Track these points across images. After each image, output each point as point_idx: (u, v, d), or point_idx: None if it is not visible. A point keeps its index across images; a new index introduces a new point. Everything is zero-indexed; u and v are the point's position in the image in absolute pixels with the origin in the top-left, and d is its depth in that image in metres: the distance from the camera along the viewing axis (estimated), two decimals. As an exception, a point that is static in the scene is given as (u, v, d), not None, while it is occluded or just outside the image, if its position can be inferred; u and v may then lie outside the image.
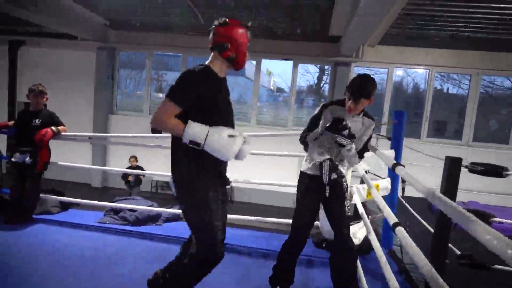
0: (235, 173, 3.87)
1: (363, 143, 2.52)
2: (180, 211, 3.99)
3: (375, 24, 5.60)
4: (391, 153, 3.61)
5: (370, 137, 2.60)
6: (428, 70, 8.68)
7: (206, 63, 2.08)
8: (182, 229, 3.83)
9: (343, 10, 5.91)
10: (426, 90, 8.77)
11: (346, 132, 2.28)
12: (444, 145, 8.26)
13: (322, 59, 8.71)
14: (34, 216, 3.85)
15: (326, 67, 10.55)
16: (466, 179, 5.93)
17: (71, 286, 2.60)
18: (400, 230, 1.73)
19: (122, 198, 4.43)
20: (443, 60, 8.41)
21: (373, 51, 8.35)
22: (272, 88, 12.26)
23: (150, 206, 4.16)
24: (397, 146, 3.81)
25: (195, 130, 1.86)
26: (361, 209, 3.20)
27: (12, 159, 3.72)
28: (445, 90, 9.27)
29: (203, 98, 1.94)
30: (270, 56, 8.99)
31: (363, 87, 2.31)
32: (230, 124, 2.09)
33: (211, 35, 2.08)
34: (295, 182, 2.84)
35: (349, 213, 2.57)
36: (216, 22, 2.07)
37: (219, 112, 2.03)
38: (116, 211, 4.03)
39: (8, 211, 3.77)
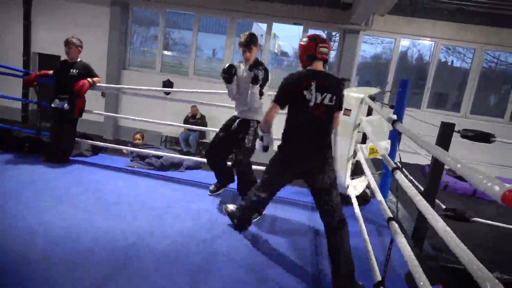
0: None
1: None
2: (200, 159, 4.45)
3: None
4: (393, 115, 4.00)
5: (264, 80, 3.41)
6: (434, 42, 8.91)
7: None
8: (202, 176, 4.34)
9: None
10: (430, 62, 9.04)
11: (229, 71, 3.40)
12: (443, 116, 8.66)
13: (332, 26, 8.89)
14: (70, 158, 4.29)
15: (334, 33, 10.69)
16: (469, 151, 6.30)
17: (115, 218, 3.07)
18: (398, 173, 2.15)
19: (148, 146, 4.87)
20: (449, 33, 8.62)
21: (382, 21, 8.54)
22: (276, 51, 12.40)
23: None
24: (399, 112, 4.19)
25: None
26: (364, 166, 3.62)
27: (52, 105, 4.11)
28: (449, 63, 9.53)
29: None
30: (280, 20, 9.14)
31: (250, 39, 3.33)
32: None
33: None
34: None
35: (249, 145, 3.38)
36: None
37: None
38: (142, 157, 4.48)
39: (47, 152, 4.22)
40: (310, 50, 2.55)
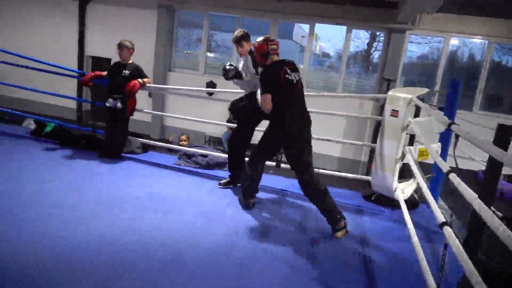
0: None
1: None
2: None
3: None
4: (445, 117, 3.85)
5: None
6: (486, 41, 8.45)
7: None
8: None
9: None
10: (482, 62, 8.59)
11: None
12: (497, 119, 8.19)
13: (377, 25, 8.68)
14: (122, 154, 4.53)
15: (378, 33, 10.45)
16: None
17: (164, 213, 3.21)
18: (453, 176, 2.07)
19: (193, 145, 5.02)
20: (503, 31, 8.15)
21: (430, 19, 8.22)
22: (317, 52, 12.28)
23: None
24: (449, 115, 3.98)
25: None
26: (413, 169, 3.52)
27: (106, 104, 4.36)
28: (503, 63, 9.00)
29: None
30: (323, 20, 9.06)
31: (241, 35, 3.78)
32: None
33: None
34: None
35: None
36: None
37: None
38: (189, 155, 4.63)
39: (102, 148, 4.49)
40: (263, 49, 3.25)
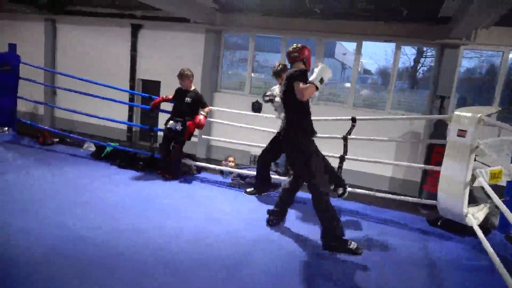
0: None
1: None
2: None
3: (502, 3, 5.27)
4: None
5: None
6: (550, 54, 7.92)
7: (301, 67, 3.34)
8: (298, 197, 4.31)
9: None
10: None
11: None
12: None
13: (428, 41, 8.42)
14: (178, 175, 4.62)
15: (425, 48, 10.12)
16: None
17: (226, 233, 3.18)
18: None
19: (245, 166, 5.02)
20: None
21: (486, 33, 7.85)
22: (359, 69, 12.07)
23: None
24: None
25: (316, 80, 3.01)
26: (490, 192, 3.27)
27: (168, 125, 4.52)
28: None
29: None
30: (370, 38, 8.93)
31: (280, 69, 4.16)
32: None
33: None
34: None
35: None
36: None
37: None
38: (242, 177, 4.62)
39: (159, 169, 4.62)
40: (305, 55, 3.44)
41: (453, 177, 3.46)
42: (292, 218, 3.70)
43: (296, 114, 3.22)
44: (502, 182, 3.59)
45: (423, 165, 6.33)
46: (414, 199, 4.19)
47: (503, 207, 2.77)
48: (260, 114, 8.05)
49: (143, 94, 5.85)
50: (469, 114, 3.51)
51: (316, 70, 3.03)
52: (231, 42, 10.92)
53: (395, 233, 3.62)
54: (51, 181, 4.11)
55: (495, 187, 3.27)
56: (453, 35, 7.61)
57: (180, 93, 4.67)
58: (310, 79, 3.04)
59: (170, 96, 4.79)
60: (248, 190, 4.33)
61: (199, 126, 4.52)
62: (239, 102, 9.57)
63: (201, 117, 4.53)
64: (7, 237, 2.71)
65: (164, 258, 2.64)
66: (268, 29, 9.58)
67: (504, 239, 3.78)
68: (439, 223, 3.86)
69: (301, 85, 3.02)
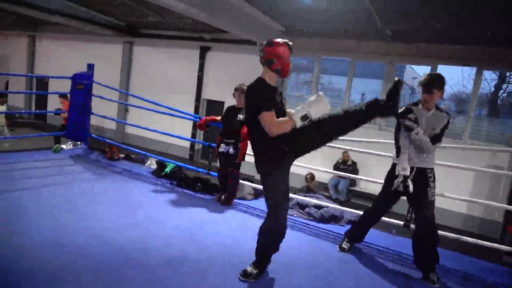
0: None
1: (436, 132, 3.03)
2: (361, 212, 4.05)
3: None
4: None
5: (444, 128, 3.07)
6: None
7: (260, 76, 2.60)
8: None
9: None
10: None
11: (412, 116, 2.91)
12: None
13: (513, 66, 7.59)
14: (235, 201, 4.45)
15: (508, 74, 9.18)
16: None
17: (278, 272, 2.92)
18: None
19: (303, 194, 4.73)
20: None
21: None
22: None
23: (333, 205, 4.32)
24: None
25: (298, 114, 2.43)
26: None
27: (219, 149, 4.37)
28: None
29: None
30: (447, 62, 8.26)
31: (432, 80, 3.01)
32: None
33: (260, 54, 2.61)
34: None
35: (432, 198, 3.04)
36: (263, 43, 2.62)
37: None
38: (302, 206, 4.34)
39: (217, 193, 4.51)
40: None
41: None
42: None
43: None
44: None
45: (504, 205, 5.52)
46: (497, 245, 3.59)
47: None
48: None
49: (193, 115, 5.84)
50: None
51: (307, 101, 2.47)
52: (296, 63, 10.82)
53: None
54: (108, 196, 4.18)
55: None
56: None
57: (233, 111, 4.44)
58: (294, 111, 2.50)
59: (218, 118, 4.62)
60: (343, 245, 3.47)
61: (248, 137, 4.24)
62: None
63: None
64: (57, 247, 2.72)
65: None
66: (335, 52, 9.33)
67: None
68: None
69: (267, 116, 2.39)
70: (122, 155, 6.05)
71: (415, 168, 3.07)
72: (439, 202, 6.72)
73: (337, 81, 11.27)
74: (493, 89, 11.00)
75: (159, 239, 3.17)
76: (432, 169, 3.14)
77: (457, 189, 6.61)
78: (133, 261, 2.72)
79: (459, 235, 3.61)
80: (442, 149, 3.64)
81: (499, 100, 10.96)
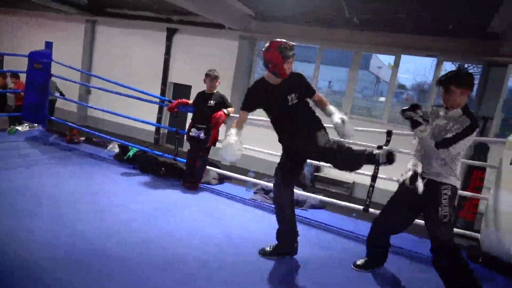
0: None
1: (448, 134, 2.50)
2: (325, 198, 4.16)
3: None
4: None
5: (461, 135, 2.46)
6: None
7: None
8: (325, 217, 4.02)
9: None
10: None
11: (420, 112, 2.48)
12: None
13: (473, 58, 7.92)
14: (200, 185, 4.43)
15: (466, 65, 9.57)
16: None
17: (241, 255, 2.95)
18: None
19: (268, 180, 4.76)
20: None
21: (538, 51, 7.27)
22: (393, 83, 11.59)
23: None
24: None
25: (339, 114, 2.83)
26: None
27: (190, 134, 4.33)
28: None
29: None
30: (411, 52, 8.51)
31: (450, 76, 2.55)
32: (285, 118, 2.82)
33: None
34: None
35: (445, 220, 2.48)
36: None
37: (273, 111, 2.86)
38: (266, 191, 4.38)
39: (183, 177, 4.45)
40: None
41: (502, 209, 3.09)
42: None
43: None
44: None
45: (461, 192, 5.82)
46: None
47: None
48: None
49: (164, 98, 5.72)
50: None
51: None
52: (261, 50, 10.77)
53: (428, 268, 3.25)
54: (68, 181, 4.03)
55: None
56: (501, 52, 7.10)
57: (203, 97, 4.42)
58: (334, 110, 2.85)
59: (190, 102, 4.58)
60: (357, 263, 2.97)
61: (217, 122, 4.20)
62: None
63: (222, 113, 4.26)
64: (13, 237, 2.60)
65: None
66: (304, 39, 9.36)
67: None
68: (480, 260, 3.45)
69: (239, 114, 2.90)
70: (83, 138, 5.82)
71: (426, 179, 2.60)
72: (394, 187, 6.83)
73: (304, 68, 11.30)
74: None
75: (120, 224, 3.10)
76: (450, 185, 2.56)
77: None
78: (93, 248, 2.64)
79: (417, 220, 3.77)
80: (404, 138, 3.72)
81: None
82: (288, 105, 2.76)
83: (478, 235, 3.42)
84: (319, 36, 9.05)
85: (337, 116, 2.77)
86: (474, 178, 7.01)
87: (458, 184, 2.62)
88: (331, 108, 2.88)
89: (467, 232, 3.72)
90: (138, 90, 5.58)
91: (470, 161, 6.00)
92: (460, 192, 4.95)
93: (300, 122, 2.78)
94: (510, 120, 8.53)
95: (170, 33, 10.82)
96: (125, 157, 5.02)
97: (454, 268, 2.49)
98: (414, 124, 2.49)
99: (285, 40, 2.71)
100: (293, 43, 2.74)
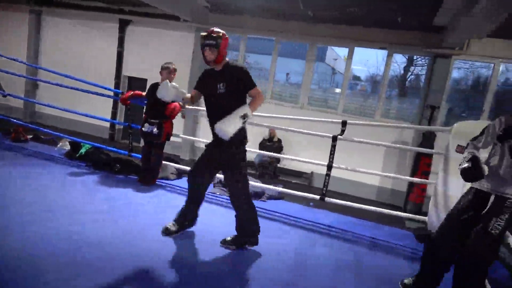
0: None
1: None
2: (283, 190, 4.23)
3: (497, 14, 5.15)
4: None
5: None
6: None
7: None
8: (284, 207, 4.10)
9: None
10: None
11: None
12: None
13: (421, 50, 8.31)
14: (157, 181, 4.34)
15: (415, 57, 10.03)
16: None
17: (201, 251, 2.94)
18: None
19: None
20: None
21: (479, 44, 7.77)
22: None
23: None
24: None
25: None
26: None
27: (143, 129, 4.20)
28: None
29: None
30: (364, 44, 8.78)
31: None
32: (211, 105, 3.00)
33: None
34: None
35: (495, 232, 2.29)
36: None
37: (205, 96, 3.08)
38: (225, 184, 4.37)
39: (139, 173, 4.33)
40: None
41: (449, 193, 3.29)
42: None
43: None
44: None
45: (409, 178, 6.15)
46: (401, 213, 4.00)
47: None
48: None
49: (117, 91, 5.54)
50: (468, 131, 3.35)
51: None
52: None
53: (385, 250, 3.42)
54: (16, 182, 3.80)
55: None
56: (445, 44, 7.52)
57: (156, 90, 4.29)
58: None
59: (143, 93, 4.45)
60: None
61: (172, 113, 4.12)
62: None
63: (176, 104, 4.15)
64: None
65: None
66: (260, 31, 9.37)
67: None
68: (427, 239, 3.68)
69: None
70: (30, 136, 5.51)
71: (493, 195, 2.41)
72: (357, 177, 7.09)
73: (263, 61, 11.33)
74: (402, 71, 12.02)
75: (74, 225, 2.98)
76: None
77: (369, 164, 7.21)
78: (43, 251, 2.51)
79: (372, 206, 3.95)
80: (356, 128, 3.85)
81: (407, 82, 12.04)
82: (217, 93, 2.86)
83: (425, 218, 3.64)
84: (275, 28, 9.10)
85: (240, 112, 2.69)
86: (422, 164, 7.41)
87: None
88: (250, 107, 2.80)
89: (416, 216, 3.95)
90: (89, 83, 5.35)
91: (419, 148, 6.31)
92: (409, 178, 5.22)
93: (222, 112, 2.72)
94: (455, 110, 9.09)
95: (123, 25, 10.42)
96: (77, 155, 4.82)
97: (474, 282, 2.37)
98: None
99: (211, 29, 2.87)
100: (217, 33, 2.84)
